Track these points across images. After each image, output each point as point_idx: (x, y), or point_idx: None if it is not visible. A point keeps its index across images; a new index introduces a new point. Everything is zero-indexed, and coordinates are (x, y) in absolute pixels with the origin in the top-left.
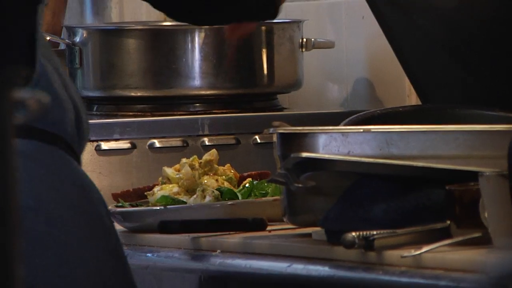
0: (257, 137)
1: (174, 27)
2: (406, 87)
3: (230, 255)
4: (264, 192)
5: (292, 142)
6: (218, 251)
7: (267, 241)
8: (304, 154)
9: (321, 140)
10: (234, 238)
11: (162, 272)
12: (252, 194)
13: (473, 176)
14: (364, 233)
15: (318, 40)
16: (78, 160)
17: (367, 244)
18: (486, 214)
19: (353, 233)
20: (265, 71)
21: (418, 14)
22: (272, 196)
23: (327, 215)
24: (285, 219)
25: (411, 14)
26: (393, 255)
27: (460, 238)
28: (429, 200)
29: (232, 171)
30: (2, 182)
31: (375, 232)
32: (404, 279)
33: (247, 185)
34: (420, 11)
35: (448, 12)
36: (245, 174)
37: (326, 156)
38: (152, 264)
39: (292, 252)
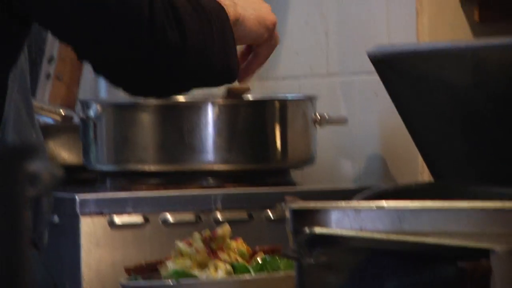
0: (269, 212)
1: (187, 103)
2: (419, 164)
3: None
4: (276, 267)
5: (304, 217)
6: None
7: None
8: (317, 230)
9: (334, 216)
10: None
11: None
12: (265, 269)
13: (485, 253)
14: None
15: (331, 115)
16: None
17: None
18: None
19: None
20: (279, 147)
21: (431, 91)
22: (285, 271)
23: None
24: None
25: (424, 91)
26: None
27: None
28: (440, 277)
29: (244, 246)
30: (15, 254)
31: None
32: None
33: (259, 260)
34: (433, 88)
35: (461, 90)
36: (257, 248)
37: (339, 231)
38: None
39: None
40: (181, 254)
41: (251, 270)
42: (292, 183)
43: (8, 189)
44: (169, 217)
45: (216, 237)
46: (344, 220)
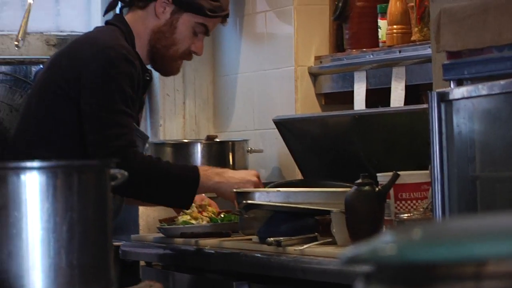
0: None
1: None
2: (296, 171)
3: (217, 249)
4: (230, 219)
5: (243, 195)
6: (209, 246)
7: (234, 242)
8: (249, 201)
9: (257, 195)
10: (215, 241)
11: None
12: (224, 220)
13: (328, 212)
14: (277, 238)
15: (256, 148)
16: None
17: (278, 243)
18: (334, 230)
19: (271, 238)
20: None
21: (301, 137)
22: (234, 221)
23: (260, 230)
24: (240, 231)
25: (298, 137)
26: (291, 249)
27: (322, 241)
28: (305, 223)
29: (215, 209)
30: (102, 231)
31: (282, 238)
32: (295, 260)
33: (222, 215)
34: (301, 136)
35: (315, 137)
36: (221, 210)
37: (259, 202)
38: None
39: (243, 247)
40: (185, 213)
41: (219, 220)
42: None
43: (101, 182)
44: None
45: (201, 204)
46: (262, 197)
